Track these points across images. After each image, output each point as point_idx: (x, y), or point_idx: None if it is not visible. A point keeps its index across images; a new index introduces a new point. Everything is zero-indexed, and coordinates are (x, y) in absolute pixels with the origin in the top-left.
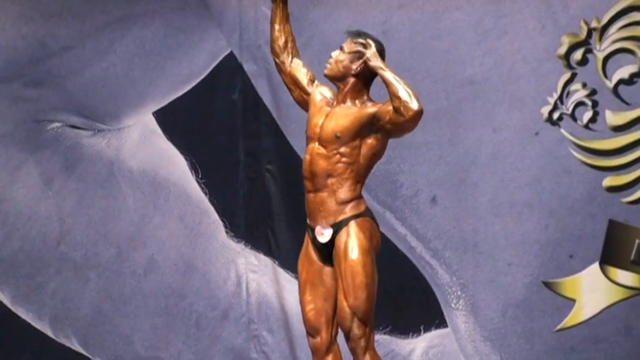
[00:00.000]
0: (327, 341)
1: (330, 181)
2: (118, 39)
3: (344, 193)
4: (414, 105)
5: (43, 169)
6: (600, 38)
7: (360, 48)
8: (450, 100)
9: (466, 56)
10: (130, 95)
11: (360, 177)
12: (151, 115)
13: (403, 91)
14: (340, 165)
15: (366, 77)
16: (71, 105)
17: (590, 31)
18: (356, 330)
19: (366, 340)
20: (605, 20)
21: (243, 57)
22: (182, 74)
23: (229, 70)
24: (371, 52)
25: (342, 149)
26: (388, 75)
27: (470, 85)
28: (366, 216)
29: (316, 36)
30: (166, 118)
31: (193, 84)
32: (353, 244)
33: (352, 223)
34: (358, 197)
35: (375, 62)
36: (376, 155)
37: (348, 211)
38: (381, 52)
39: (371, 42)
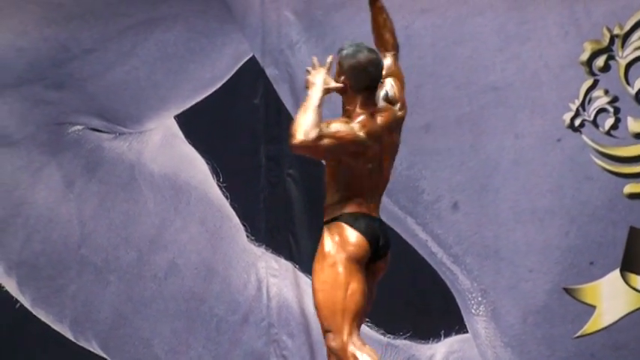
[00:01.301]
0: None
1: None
2: (140, 42)
3: (326, 200)
4: (293, 139)
5: (64, 171)
6: (623, 45)
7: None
8: (473, 106)
9: (488, 62)
10: (152, 99)
11: (339, 185)
12: (173, 119)
13: (295, 121)
14: (326, 175)
15: (347, 94)
16: (93, 108)
17: (612, 38)
18: (327, 340)
19: (330, 350)
20: (627, 27)
21: (266, 61)
22: (204, 78)
23: (251, 74)
24: (308, 77)
25: (327, 161)
26: (304, 101)
27: (492, 91)
28: (339, 220)
29: (338, 40)
30: (188, 121)
31: (215, 88)
32: (317, 250)
33: (324, 229)
34: (335, 203)
35: (308, 89)
36: (340, 167)
37: (325, 217)
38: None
39: (310, 69)
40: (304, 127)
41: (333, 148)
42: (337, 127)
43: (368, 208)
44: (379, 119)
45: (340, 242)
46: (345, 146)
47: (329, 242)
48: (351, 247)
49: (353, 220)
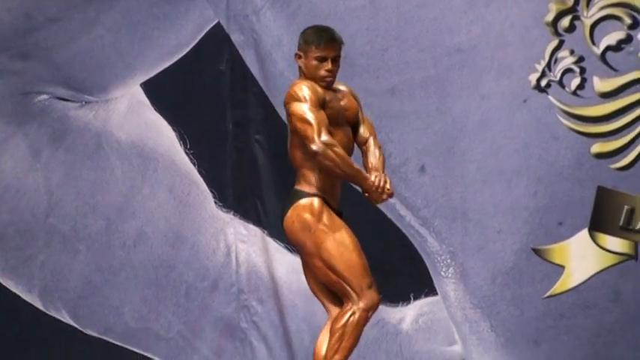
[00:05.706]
0: None
1: None
2: (104, 10)
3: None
4: None
5: (30, 141)
6: (587, 5)
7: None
8: (438, 69)
9: (453, 24)
10: (118, 67)
11: None
12: (139, 87)
13: None
14: None
15: None
16: (58, 77)
17: None
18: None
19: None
20: None
21: (231, 27)
22: (169, 45)
23: (216, 40)
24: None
25: None
26: None
27: (457, 53)
28: None
29: (303, 6)
30: (154, 89)
31: (181, 55)
32: None
33: None
34: None
35: None
36: None
37: None
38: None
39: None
40: None
41: None
42: None
43: None
44: None
45: None
46: None
47: None
48: None
49: None
